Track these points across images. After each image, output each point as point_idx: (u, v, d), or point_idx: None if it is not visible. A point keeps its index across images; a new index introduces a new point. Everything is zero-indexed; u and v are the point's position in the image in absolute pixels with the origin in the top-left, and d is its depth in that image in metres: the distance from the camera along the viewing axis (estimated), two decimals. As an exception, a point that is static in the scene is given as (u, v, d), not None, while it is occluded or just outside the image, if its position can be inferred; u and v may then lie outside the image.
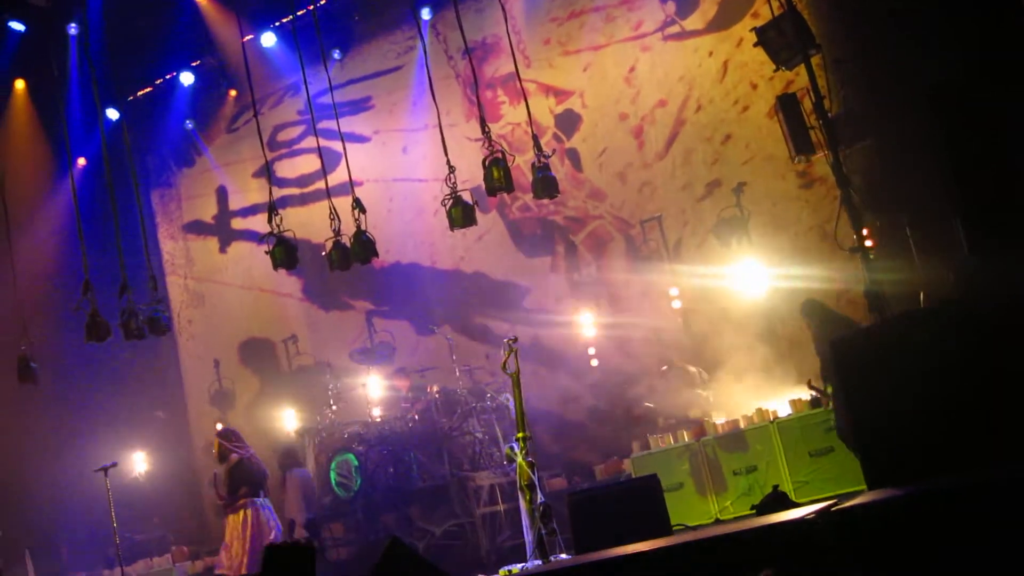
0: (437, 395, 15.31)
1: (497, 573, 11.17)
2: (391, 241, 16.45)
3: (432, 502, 14.93)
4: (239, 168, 19.95)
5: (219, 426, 15.22)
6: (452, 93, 17.44)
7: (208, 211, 20.67)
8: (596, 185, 16.72)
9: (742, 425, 13.26)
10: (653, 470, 11.86)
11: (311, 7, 15.96)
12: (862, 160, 12.03)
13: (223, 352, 19.86)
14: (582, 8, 16.97)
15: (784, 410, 13.21)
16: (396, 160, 18.40)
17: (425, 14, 17.33)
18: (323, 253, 13.01)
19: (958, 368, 6.64)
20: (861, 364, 7.40)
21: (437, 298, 17.70)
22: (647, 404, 14.56)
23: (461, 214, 11.96)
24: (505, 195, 15.29)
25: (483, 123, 11.99)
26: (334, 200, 12.77)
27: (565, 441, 15.46)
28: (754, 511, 9.23)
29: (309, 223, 16.07)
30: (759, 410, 13.36)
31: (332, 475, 15.46)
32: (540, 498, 10.38)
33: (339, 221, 12.68)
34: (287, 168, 19.02)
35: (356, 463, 15.22)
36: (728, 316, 15.01)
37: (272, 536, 12.84)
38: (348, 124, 15.34)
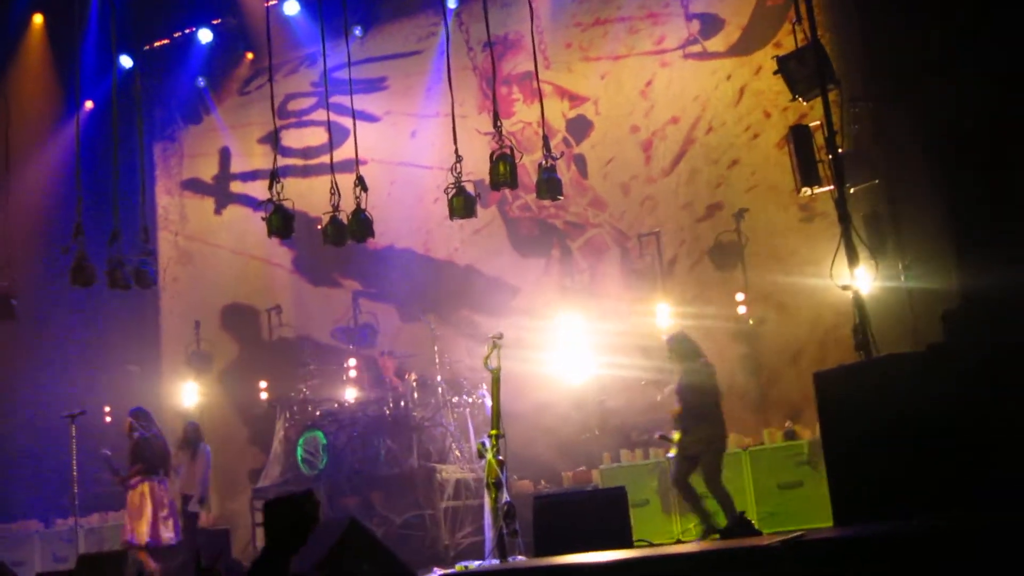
0: (414, 383, 15.25)
1: (453, 568, 11.14)
2: (388, 224, 16.36)
3: (396, 490, 14.86)
4: (245, 132, 19.85)
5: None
6: (468, 84, 17.38)
7: (208, 171, 20.56)
8: (599, 193, 16.68)
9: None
10: (621, 483, 11.81)
11: (340, -20, 15.90)
12: (866, 199, 12.02)
13: (205, 314, 19.72)
14: (607, 17, 16.94)
15: (758, 440, 13.20)
16: (403, 143, 18.33)
17: (451, 2, 17.26)
18: (319, 227, 12.96)
19: (937, 413, 6.62)
20: (841, 401, 7.38)
21: (426, 286, 17.62)
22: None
23: (463, 204, 11.92)
24: (507, 192, 15.34)
25: (496, 117, 11.95)
26: (336, 176, 12.73)
27: (536, 445, 15.38)
28: (717, 536, 9.21)
29: (308, 195, 16.00)
30: (733, 436, 13.33)
31: (299, 451, 15.38)
32: (505, 498, 10.35)
33: (339, 196, 12.64)
34: (293, 138, 18.93)
35: (324, 441, 15.15)
36: (713, 339, 14.96)
37: (167, 512, 13.71)
38: (360, 102, 15.29)
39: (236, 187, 20.15)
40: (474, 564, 10.76)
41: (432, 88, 17.90)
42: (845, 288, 10.47)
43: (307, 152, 18.74)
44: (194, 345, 19.36)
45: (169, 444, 14.42)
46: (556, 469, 15.07)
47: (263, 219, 12.80)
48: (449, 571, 9.19)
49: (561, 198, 12.63)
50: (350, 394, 16.02)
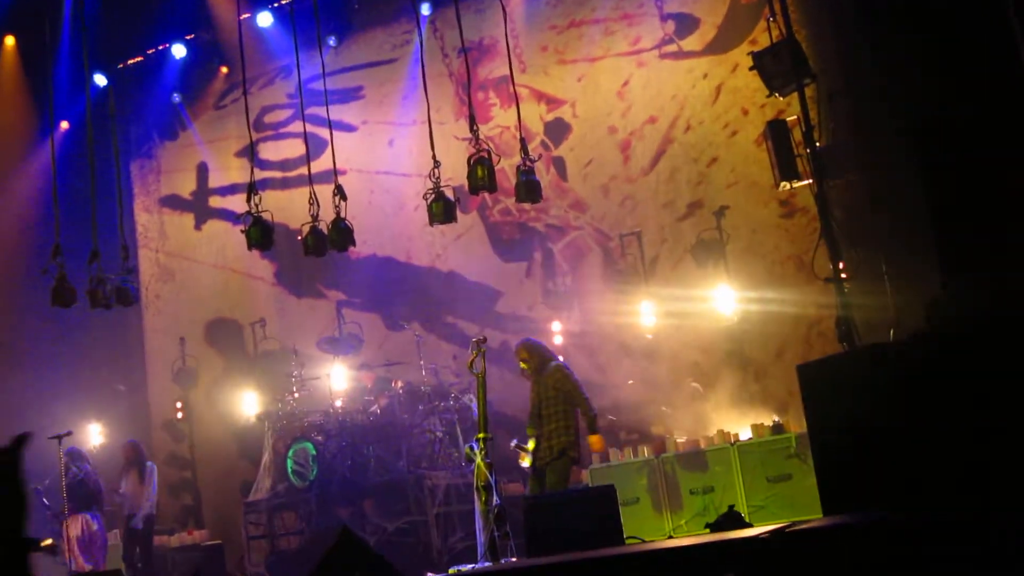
0: (401, 391, 15.25)
1: (447, 572, 11.13)
2: (368, 233, 16.33)
3: (387, 498, 14.86)
4: (222, 146, 19.82)
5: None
6: (444, 91, 17.40)
7: (186, 186, 20.51)
8: (579, 195, 16.71)
9: (703, 445, 13.28)
10: (611, 482, 11.82)
11: (311, -9, 15.89)
12: (845, 193, 12.07)
13: (189, 330, 19.70)
14: (582, 19, 16.97)
15: (745, 434, 13.25)
16: (381, 152, 18.32)
17: (425, 9, 17.27)
18: (299, 237, 12.94)
19: (921, 402, 6.65)
20: (826, 392, 7.42)
21: (409, 294, 17.62)
22: (610, 417, 14.55)
23: (442, 210, 11.93)
24: (487, 197, 15.35)
25: (472, 121, 11.95)
26: (315, 187, 12.73)
27: (525, 447, 15.39)
28: (708, 530, 9.23)
29: (288, 208, 16.02)
30: (720, 432, 13.40)
31: (289, 463, 15.36)
32: (496, 500, 10.35)
33: (318, 207, 12.62)
34: (271, 151, 18.92)
35: (314, 452, 15.13)
36: (698, 336, 15.05)
37: (99, 543, 14.73)
38: (337, 112, 15.25)
39: (215, 202, 20.10)
40: (467, 568, 10.75)
41: (408, 96, 17.90)
42: (827, 281, 10.55)
43: (285, 164, 18.71)
44: (179, 361, 19.33)
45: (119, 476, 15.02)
46: (546, 471, 15.07)
47: (242, 231, 12.79)
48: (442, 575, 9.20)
49: (541, 200, 12.64)
50: (337, 404, 15.99)
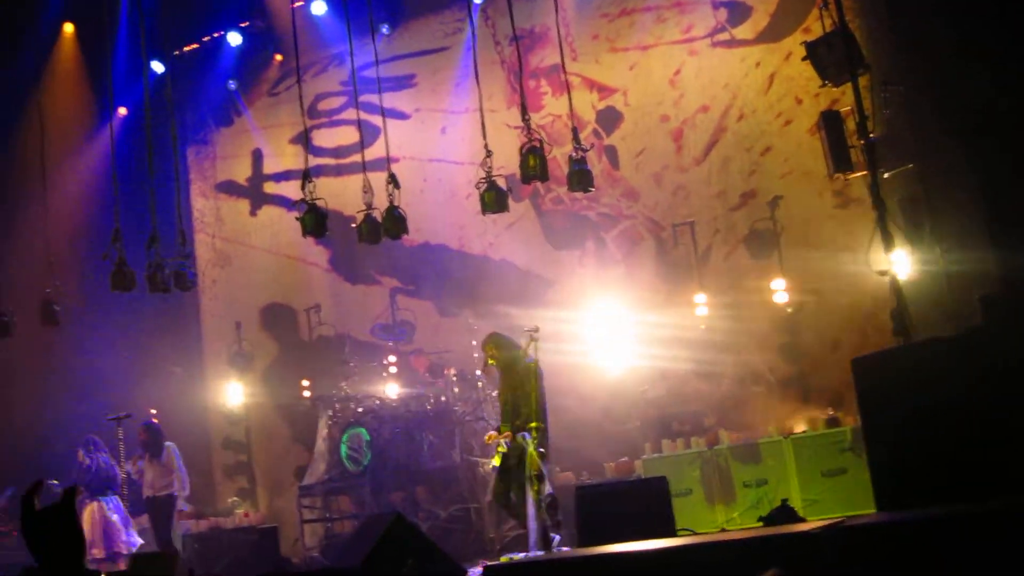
0: (454, 378, 15.33)
1: (499, 561, 11.20)
2: (421, 220, 16.41)
3: (440, 484, 14.97)
4: (276, 132, 19.97)
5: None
6: (496, 79, 17.40)
7: (242, 172, 20.69)
8: (631, 184, 16.68)
9: (757, 438, 13.24)
10: (663, 473, 11.82)
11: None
12: (901, 184, 11.97)
13: (245, 315, 19.90)
14: (634, 7, 16.90)
15: (800, 427, 13.19)
16: (434, 140, 18.39)
17: (476, -2, 17.32)
18: (353, 225, 13.04)
19: (979, 397, 6.60)
20: (881, 386, 7.37)
21: (462, 281, 17.67)
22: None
23: (494, 199, 11.99)
24: (539, 186, 15.37)
25: (524, 111, 12.01)
26: (368, 175, 12.82)
27: (577, 437, 15.42)
28: (761, 524, 9.23)
29: (342, 194, 16.11)
30: (775, 424, 13.35)
31: (343, 448, 15.50)
32: (548, 490, 10.40)
33: (373, 194, 12.72)
34: (325, 137, 19.03)
35: (368, 438, 15.26)
36: (751, 327, 14.98)
37: (118, 527, 14.67)
38: (390, 100, 15.34)
39: (270, 188, 20.28)
40: (519, 556, 10.82)
41: (460, 84, 17.94)
42: (882, 273, 10.47)
43: (339, 151, 18.81)
44: (235, 346, 19.54)
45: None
46: (598, 460, 15.10)
47: (297, 219, 12.90)
48: (494, 564, 9.24)
49: (592, 190, 12.68)
50: (391, 390, 16.11)
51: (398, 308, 17.71)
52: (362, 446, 15.32)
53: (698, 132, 16.16)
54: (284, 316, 19.79)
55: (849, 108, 11.45)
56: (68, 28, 18.57)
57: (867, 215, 13.30)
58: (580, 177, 12.14)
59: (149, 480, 14.92)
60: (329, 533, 16.11)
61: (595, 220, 16.90)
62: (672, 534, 9.57)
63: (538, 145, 11.80)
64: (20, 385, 18.10)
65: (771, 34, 15.70)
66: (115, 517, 14.82)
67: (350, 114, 17.32)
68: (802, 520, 8.77)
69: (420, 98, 18.63)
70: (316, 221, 12.81)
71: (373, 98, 14.27)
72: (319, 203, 12.76)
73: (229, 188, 20.83)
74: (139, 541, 14.81)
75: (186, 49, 19.56)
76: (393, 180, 12.60)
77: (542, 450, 10.56)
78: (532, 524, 10.58)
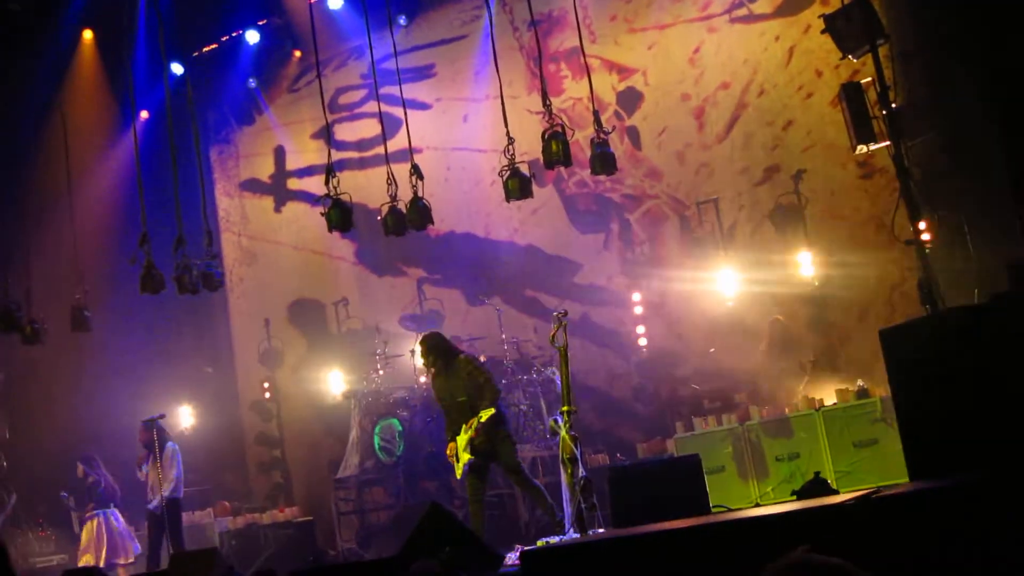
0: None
1: (535, 545, 11.23)
2: (446, 210, 16.47)
3: (474, 471, 15.00)
4: (298, 128, 20.05)
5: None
6: (515, 65, 17.39)
7: (265, 170, 20.79)
8: (654, 164, 16.66)
9: (787, 412, 13.24)
10: (696, 451, 11.84)
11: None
12: (924, 153, 11.91)
13: (273, 311, 20.02)
14: (651, -14, 16.88)
15: (830, 399, 13.18)
16: (456, 129, 18.40)
17: (493, -16, 17.30)
18: (378, 218, 13.08)
19: (1009, 363, 6.60)
20: (910, 356, 7.38)
21: (489, 269, 17.70)
22: (693, 386, 14.57)
23: (518, 186, 12.00)
24: (562, 170, 15.34)
25: (545, 96, 12.00)
26: (392, 166, 12.86)
27: (609, 418, 15.47)
28: (795, 497, 9.24)
29: (366, 187, 16.15)
30: (805, 398, 13.34)
31: (376, 439, 15.57)
32: (582, 472, 10.43)
33: (396, 186, 12.76)
34: (347, 131, 19.07)
35: (400, 428, 15.32)
36: (779, 302, 14.95)
37: (124, 537, 15.84)
38: (410, 91, 15.37)
39: (293, 184, 20.36)
40: (555, 540, 10.85)
41: (480, 71, 17.94)
42: (909, 243, 10.45)
43: (361, 144, 18.85)
44: (265, 342, 19.67)
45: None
46: (630, 441, 15.14)
47: (322, 214, 12.96)
48: (531, 548, 9.28)
49: (616, 172, 12.66)
50: (421, 380, 16.16)
51: (426, 298, 17.78)
52: (395, 437, 15.38)
53: (719, 109, 16.11)
54: (312, 311, 19.89)
55: (870, 79, 11.40)
56: (87, 35, 18.66)
57: (891, 185, 13.30)
58: (603, 160, 12.14)
59: (151, 484, 15.03)
60: (365, 525, 16.21)
61: (619, 201, 16.90)
62: (707, 512, 9.59)
63: (560, 130, 11.79)
64: (53, 392, 18.29)
65: (789, 7, 15.61)
66: (118, 528, 15.67)
67: (371, 107, 17.35)
68: (835, 492, 8.77)
69: (440, 88, 18.66)
70: (341, 216, 12.86)
71: (393, 90, 14.29)
72: (343, 198, 12.80)
73: (253, 186, 20.93)
74: (139, 547, 15.70)
75: (205, 50, 19.62)
76: (416, 171, 12.64)
77: (574, 433, 10.58)
78: (567, 507, 10.61)
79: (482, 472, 11.67)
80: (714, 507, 10.34)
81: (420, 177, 12.67)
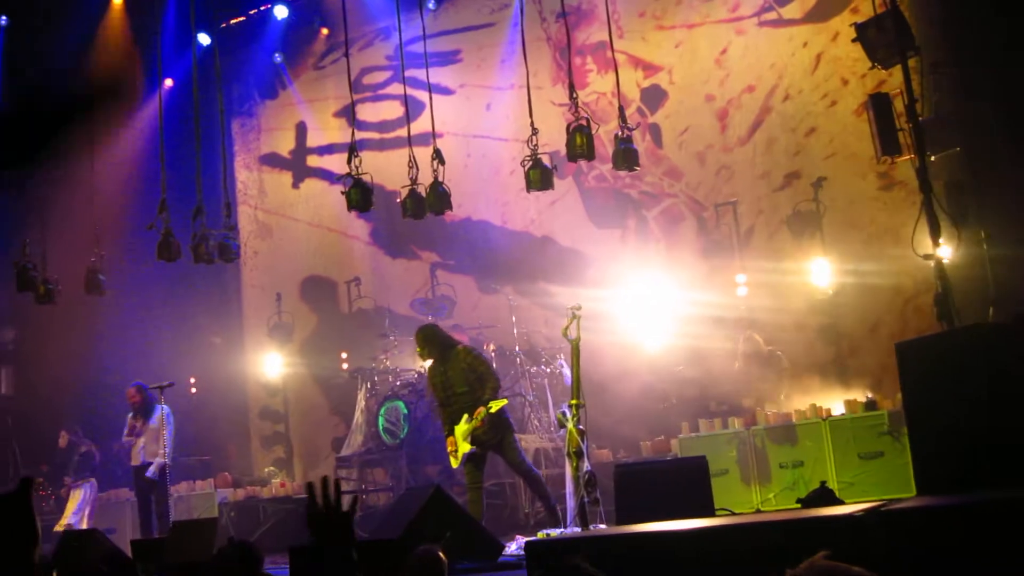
0: (493, 353, 15.38)
1: (535, 536, 11.25)
2: (464, 196, 16.49)
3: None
4: (321, 106, 20.08)
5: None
6: (542, 56, 17.36)
7: (286, 145, 20.82)
8: (674, 163, 16.65)
9: (794, 419, 13.24)
10: (700, 453, 11.83)
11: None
12: (946, 167, 11.89)
13: (285, 286, 20.07)
14: (681, -16, 16.86)
15: (838, 409, 13.17)
16: (479, 116, 18.40)
17: (524, -27, 17.27)
18: (398, 200, 13.10)
19: (1022, 383, 6.60)
20: (925, 370, 7.37)
21: (503, 258, 17.71)
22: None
23: (539, 176, 12.01)
24: (582, 163, 15.33)
25: (571, 88, 12.02)
26: (413, 149, 12.87)
27: (615, 414, 15.45)
28: (799, 505, 9.24)
29: (385, 169, 16.12)
30: (812, 406, 13.33)
31: (380, 420, 15.59)
32: (586, 466, 10.44)
33: (417, 170, 12.78)
34: (369, 112, 19.06)
35: (405, 411, 15.34)
36: (792, 309, 14.94)
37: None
38: (435, 75, 15.37)
39: (313, 161, 20.40)
40: (555, 532, 10.87)
41: (506, 60, 17.94)
42: (927, 258, 10.42)
43: (383, 126, 18.87)
44: (275, 317, 19.70)
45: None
46: (634, 439, 15.14)
47: (342, 193, 12.98)
48: (535, 539, 9.29)
49: (637, 168, 12.67)
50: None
51: (438, 283, 17.80)
52: (399, 419, 15.41)
53: (743, 112, 16.10)
54: (324, 288, 19.93)
55: (898, 90, 11.37)
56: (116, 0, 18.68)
57: (911, 198, 13.28)
58: (625, 156, 12.15)
59: (141, 446, 15.06)
60: (364, 504, 16.24)
61: (637, 198, 16.90)
62: (712, 514, 9.59)
63: (585, 124, 11.80)
64: (62, 352, 18.33)
65: (819, 14, 15.60)
66: (93, 497, 16.21)
67: (395, 89, 17.40)
68: (840, 502, 8.78)
69: (465, 74, 18.66)
70: (362, 196, 12.89)
71: (418, 73, 14.31)
72: (364, 177, 12.83)
73: (273, 160, 20.96)
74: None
75: (233, 22, 19.64)
76: (438, 156, 12.66)
77: (581, 427, 10.59)
78: (570, 501, 10.62)
79: (480, 462, 11.66)
80: (718, 510, 10.34)
81: (441, 162, 12.69)
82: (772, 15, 16.05)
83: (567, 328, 10.82)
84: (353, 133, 13.11)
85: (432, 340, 11.91)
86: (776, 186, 15.71)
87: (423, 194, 12.80)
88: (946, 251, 10.49)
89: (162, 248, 13.99)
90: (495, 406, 11.31)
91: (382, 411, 15.64)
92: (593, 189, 17.31)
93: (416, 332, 12.21)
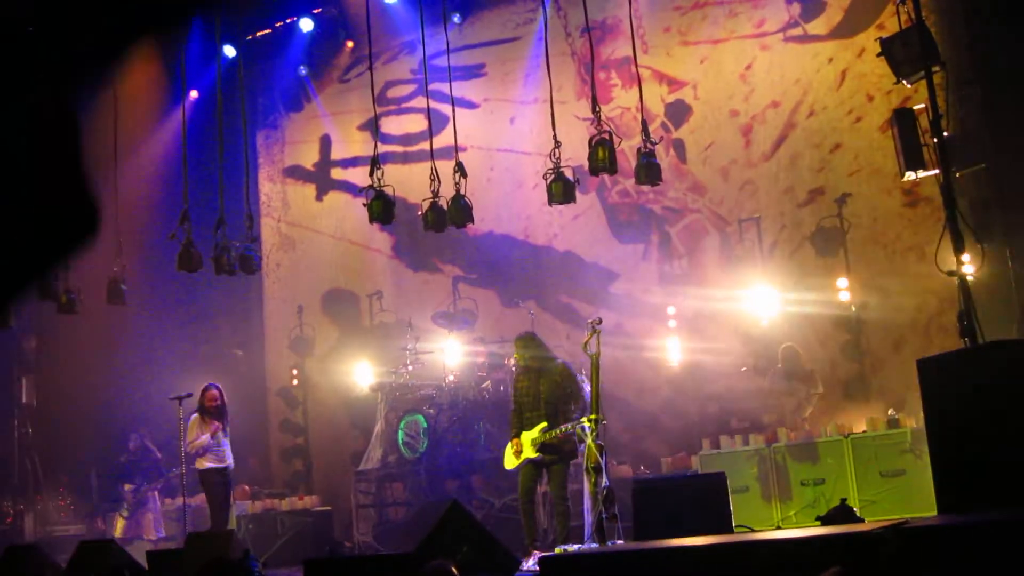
0: (513, 367, 15.31)
1: (553, 552, 11.18)
2: (487, 210, 16.46)
3: (495, 473, 14.93)
4: (345, 119, 20.11)
5: None
6: (566, 70, 17.38)
7: (309, 158, 20.85)
8: (698, 178, 16.60)
9: (815, 437, 13.13)
10: (721, 469, 11.75)
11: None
12: (971, 184, 11.81)
13: (307, 299, 20.07)
14: (706, 0, 16.82)
15: (860, 427, 13.06)
16: (502, 130, 18.40)
17: (548, -12, 17.28)
18: (419, 213, 13.09)
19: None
20: (947, 389, 7.29)
21: (525, 272, 17.67)
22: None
23: (562, 190, 11.98)
24: (605, 178, 15.34)
25: (595, 103, 11.98)
26: (436, 163, 12.86)
27: (635, 430, 15.39)
28: (819, 523, 9.15)
29: (407, 182, 16.12)
30: (834, 424, 13.23)
31: (400, 434, 15.54)
32: (605, 482, 10.37)
33: (439, 183, 12.77)
34: (393, 125, 19.10)
35: (425, 425, 15.29)
36: (814, 325, 14.86)
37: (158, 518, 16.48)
38: (459, 89, 15.38)
39: (336, 174, 20.42)
40: (574, 548, 10.79)
41: (530, 74, 17.93)
42: (951, 274, 10.33)
43: (406, 139, 18.87)
44: (297, 329, 19.70)
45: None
46: (654, 454, 15.05)
47: (364, 205, 12.98)
48: (549, 555, 9.23)
49: (659, 183, 12.62)
50: (450, 378, 16.14)
51: (460, 297, 17.76)
52: (419, 433, 15.35)
53: (767, 128, 16.05)
54: (346, 301, 19.93)
55: (923, 106, 11.30)
56: (143, 10, 18.73)
57: (935, 214, 13.20)
58: (648, 170, 12.10)
59: (227, 450, 14.87)
60: (382, 519, 16.18)
61: (660, 213, 16.84)
62: (730, 531, 9.51)
63: (608, 138, 11.78)
64: (83, 362, 18.37)
65: (844, 30, 15.55)
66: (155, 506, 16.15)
67: (418, 102, 17.42)
68: (861, 520, 8.69)
69: (489, 88, 18.67)
70: (384, 208, 12.89)
71: (443, 87, 14.32)
72: (387, 190, 12.83)
73: (296, 173, 21.00)
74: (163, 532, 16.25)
75: (258, 34, 19.73)
76: (460, 169, 12.64)
77: (600, 443, 10.52)
78: (588, 516, 10.55)
79: (537, 473, 11.59)
80: (736, 527, 10.26)
81: (464, 175, 12.67)
82: (798, 31, 16.00)
83: (587, 343, 10.75)
84: (376, 145, 13.12)
85: (534, 348, 11.83)
86: (800, 202, 15.64)
87: (444, 207, 12.78)
88: (970, 268, 10.41)
89: (183, 258, 14.03)
90: (586, 422, 11.19)
91: (402, 424, 15.59)
92: (616, 204, 17.26)
93: (523, 335, 12.12)
